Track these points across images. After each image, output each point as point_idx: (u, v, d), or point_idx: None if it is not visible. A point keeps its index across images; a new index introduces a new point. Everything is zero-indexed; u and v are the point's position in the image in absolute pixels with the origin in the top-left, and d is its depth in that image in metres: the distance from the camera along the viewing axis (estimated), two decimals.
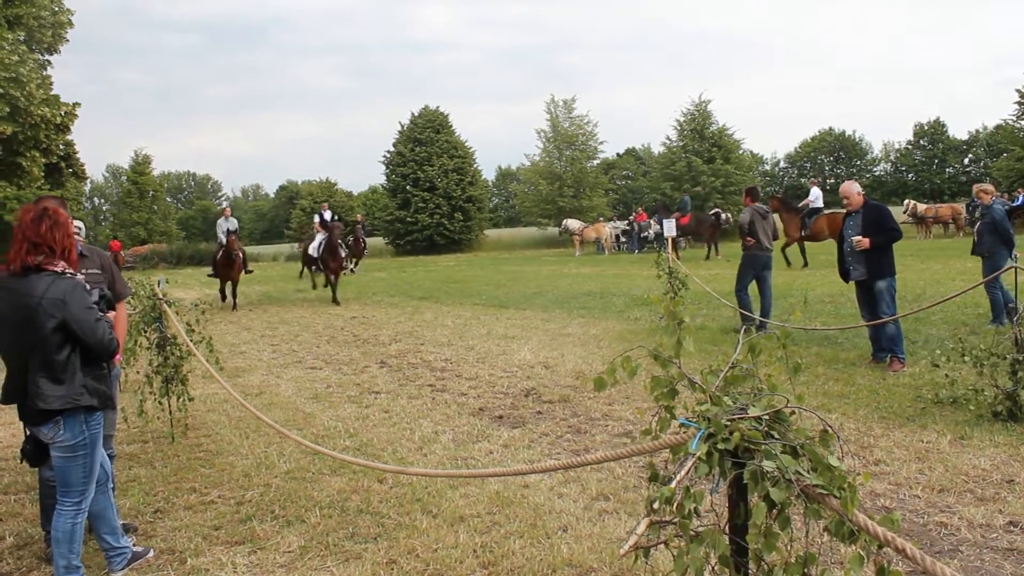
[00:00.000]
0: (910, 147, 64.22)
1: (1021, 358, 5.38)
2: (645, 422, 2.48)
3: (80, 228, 4.66)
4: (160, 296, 6.00)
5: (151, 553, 4.02)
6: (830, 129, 70.40)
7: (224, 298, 16.74)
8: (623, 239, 34.85)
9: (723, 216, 27.63)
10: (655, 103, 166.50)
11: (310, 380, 8.43)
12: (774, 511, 1.92)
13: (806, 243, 19.58)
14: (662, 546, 2.12)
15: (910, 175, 63.52)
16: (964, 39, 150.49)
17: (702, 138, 40.78)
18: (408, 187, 43.57)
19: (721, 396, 2.09)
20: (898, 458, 4.87)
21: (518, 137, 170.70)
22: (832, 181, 59.34)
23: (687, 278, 10.27)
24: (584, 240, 33.81)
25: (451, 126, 45.96)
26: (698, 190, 38.54)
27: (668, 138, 43.85)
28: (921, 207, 29.58)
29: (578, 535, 3.97)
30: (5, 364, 3.53)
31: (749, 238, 9.76)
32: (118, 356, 3.82)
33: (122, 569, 3.86)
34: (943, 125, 62.95)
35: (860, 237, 7.33)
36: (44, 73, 26.53)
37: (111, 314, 3.77)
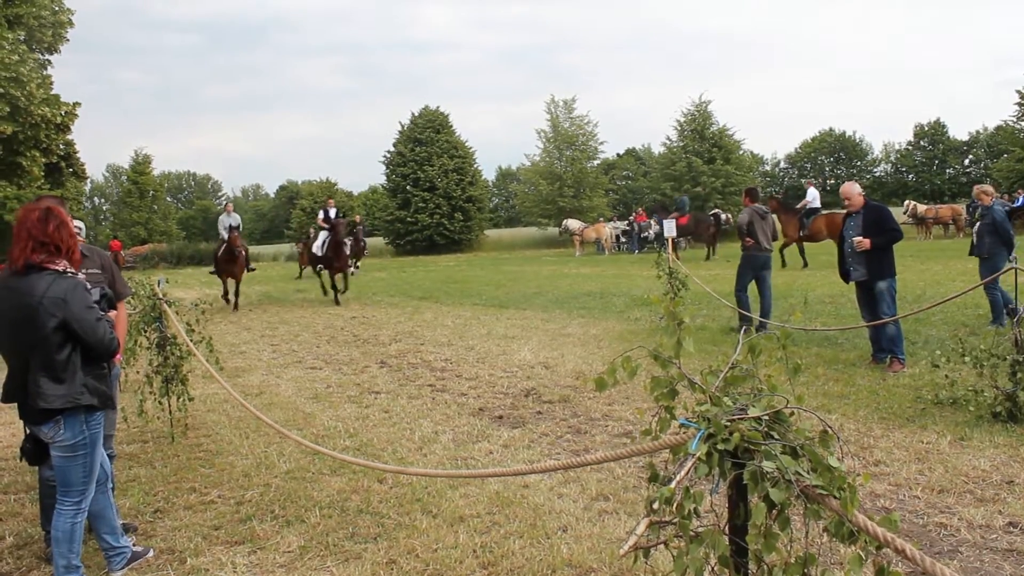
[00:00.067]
0: (910, 148, 64.22)
1: (1021, 359, 5.38)
2: (645, 422, 2.48)
3: (81, 228, 4.65)
4: (160, 296, 6.00)
5: (151, 553, 4.02)
6: (830, 130, 70.40)
7: (228, 299, 16.09)
8: (623, 239, 34.88)
9: (723, 216, 27.65)
10: (655, 103, 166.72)
11: (310, 380, 8.43)
12: (774, 512, 1.92)
13: (804, 243, 19.63)
14: (662, 546, 2.12)
15: (910, 176, 63.51)
16: (964, 39, 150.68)
17: (702, 138, 40.80)
18: (408, 187, 43.59)
19: (721, 396, 2.09)
20: (898, 459, 4.87)
21: (518, 137, 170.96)
22: (832, 182, 59.41)
23: (687, 278, 10.28)
24: (584, 240, 33.84)
25: (451, 126, 45.99)
26: (698, 190, 38.57)
27: (668, 138, 43.97)
28: (921, 208, 29.57)
29: (578, 535, 3.97)
30: (6, 363, 3.54)
31: (748, 238, 9.79)
32: (118, 356, 3.82)
33: (122, 569, 3.86)
34: (943, 126, 63.02)
35: (861, 238, 7.34)
36: (44, 73, 26.58)
37: (112, 313, 3.78)
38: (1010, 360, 5.42)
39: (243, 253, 15.73)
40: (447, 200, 43.43)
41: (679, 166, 40.33)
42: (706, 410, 2.04)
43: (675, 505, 1.99)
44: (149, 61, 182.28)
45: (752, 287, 9.93)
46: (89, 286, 3.59)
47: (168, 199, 72.25)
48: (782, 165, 72.87)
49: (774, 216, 11.68)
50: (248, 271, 16.76)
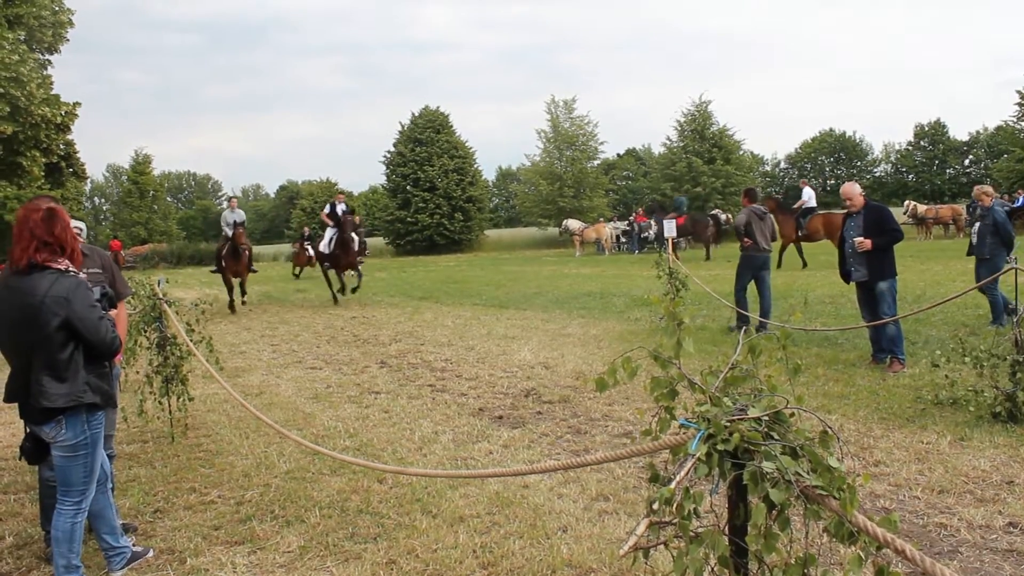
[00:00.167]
0: (910, 148, 64.22)
1: (1021, 359, 5.38)
2: (645, 423, 2.48)
3: (81, 229, 4.65)
4: (160, 296, 6.00)
5: (151, 553, 4.02)
6: (830, 130, 70.42)
7: (232, 303, 15.53)
8: (623, 239, 34.88)
9: (723, 217, 27.63)
10: (655, 103, 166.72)
11: (310, 380, 8.43)
12: (774, 512, 1.92)
13: (802, 243, 19.65)
14: (662, 547, 2.12)
15: (910, 176, 63.52)
16: (964, 39, 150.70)
17: (702, 139, 40.81)
18: (408, 187, 43.61)
19: (721, 397, 2.09)
20: (898, 459, 4.87)
21: (518, 137, 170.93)
22: (832, 182, 59.42)
23: (687, 279, 10.29)
24: (584, 240, 33.85)
25: (451, 126, 46.02)
26: (698, 191, 38.57)
27: (668, 138, 43.99)
28: (921, 208, 29.58)
29: (578, 535, 3.97)
30: (8, 363, 3.54)
31: (746, 239, 9.84)
32: (118, 355, 3.82)
33: (121, 569, 3.86)
34: (943, 126, 63.02)
35: (862, 238, 7.34)
36: (44, 73, 26.59)
37: (112, 313, 3.78)
38: (1010, 360, 5.42)
39: (248, 252, 15.29)
40: (447, 200, 43.45)
41: (679, 166, 40.34)
42: (706, 410, 2.04)
43: (675, 505, 1.99)
44: (149, 61, 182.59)
45: (752, 287, 9.95)
46: (90, 285, 3.59)
47: (168, 199, 72.25)
48: (782, 165, 72.93)
49: (772, 216, 11.69)
50: (250, 272, 16.23)
